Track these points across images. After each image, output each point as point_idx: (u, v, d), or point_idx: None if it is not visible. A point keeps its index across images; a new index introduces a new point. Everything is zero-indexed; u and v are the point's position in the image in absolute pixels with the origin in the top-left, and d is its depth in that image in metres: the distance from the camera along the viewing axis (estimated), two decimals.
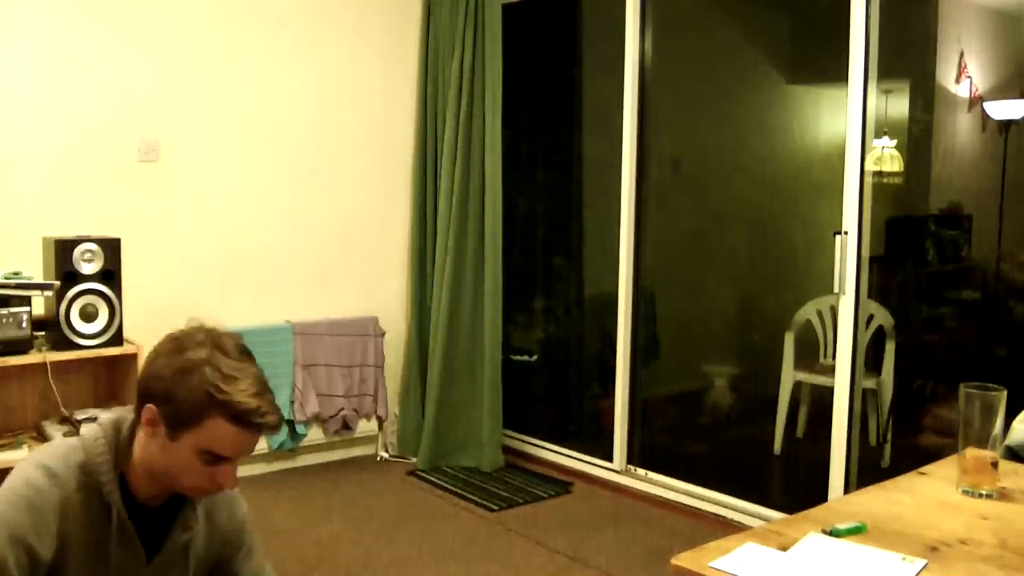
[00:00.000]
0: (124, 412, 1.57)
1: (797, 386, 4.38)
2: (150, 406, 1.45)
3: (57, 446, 1.52)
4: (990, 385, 1.65)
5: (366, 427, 4.54)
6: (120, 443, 1.51)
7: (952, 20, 4.63)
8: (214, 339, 1.47)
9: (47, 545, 1.41)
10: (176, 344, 1.47)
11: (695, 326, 5.31)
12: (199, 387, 1.41)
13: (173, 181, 4.04)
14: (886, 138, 4.51)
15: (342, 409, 4.40)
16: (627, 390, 4.27)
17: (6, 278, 2.69)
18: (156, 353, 1.48)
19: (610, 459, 4.30)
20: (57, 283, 2.72)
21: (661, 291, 4.76)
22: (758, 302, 5.23)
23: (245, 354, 1.49)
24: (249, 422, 1.42)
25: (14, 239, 3.56)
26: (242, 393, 1.42)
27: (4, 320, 2.63)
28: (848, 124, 3.31)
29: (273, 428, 1.46)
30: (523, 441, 4.70)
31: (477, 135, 4.47)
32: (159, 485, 1.51)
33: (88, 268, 2.78)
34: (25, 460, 1.49)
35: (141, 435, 1.49)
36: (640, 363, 4.35)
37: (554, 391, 5.14)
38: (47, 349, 2.76)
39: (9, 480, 1.44)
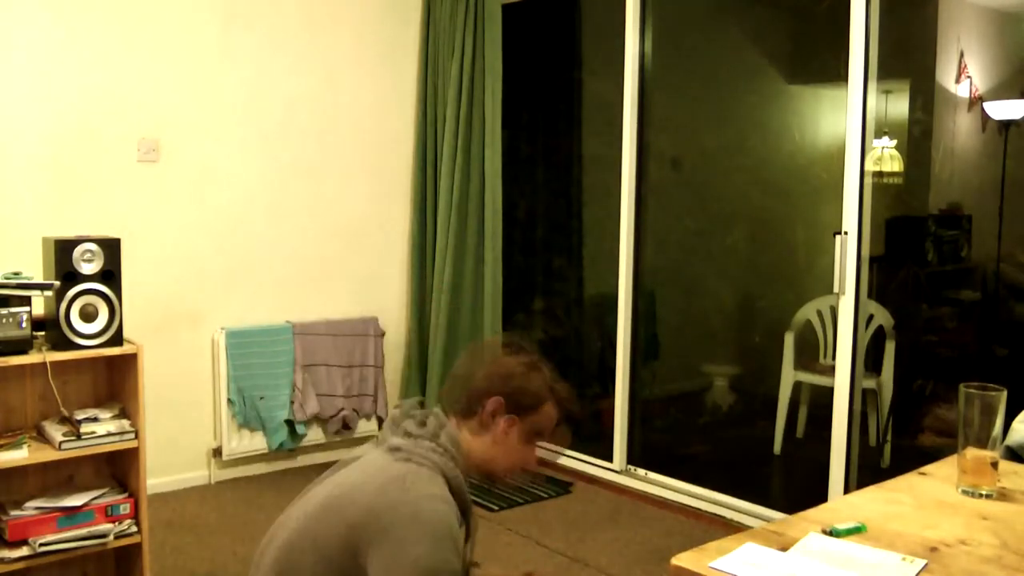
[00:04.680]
0: (436, 422, 1.76)
1: (797, 386, 4.38)
2: (497, 397, 1.76)
3: (420, 476, 1.65)
4: (990, 385, 1.65)
5: (366, 427, 4.54)
6: (459, 453, 1.75)
7: (952, 20, 4.63)
8: (529, 351, 1.85)
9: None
10: (509, 350, 1.84)
11: (695, 326, 5.31)
12: (543, 380, 1.80)
13: (173, 181, 4.04)
14: (886, 138, 4.51)
15: (342, 409, 4.40)
16: (627, 390, 4.27)
17: (6, 278, 2.68)
18: (495, 358, 1.83)
19: (610, 459, 4.30)
20: (57, 283, 2.71)
21: (661, 291, 4.76)
22: (758, 302, 5.23)
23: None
24: (570, 414, 1.84)
25: (14, 239, 3.56)
26: (566, 392, 1.83)
27: (4, 320, 2.63)
28: (848, 124, 3.31)
29: (573, 427, 1.87)
30: None
31: (477, 135, 4.47)
32: (475, 474, 1.81)
33: (88, 268, 2.77)
34: (415, 494, 1.61)
35: (469, 430, 1.78)
36: (640, 363, 4.35)
37: None
38: (47, 349, 2.76)
39: (423, 521, 1.58)
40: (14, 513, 2.72)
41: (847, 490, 3.33)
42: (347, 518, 1.62)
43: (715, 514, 3.81)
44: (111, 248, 2.81)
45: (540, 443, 1.85)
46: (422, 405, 1.85)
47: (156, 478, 3.80)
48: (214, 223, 4.17)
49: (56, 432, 2.78)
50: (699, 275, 5.26)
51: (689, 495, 3.94)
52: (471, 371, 1.82)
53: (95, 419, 2.84)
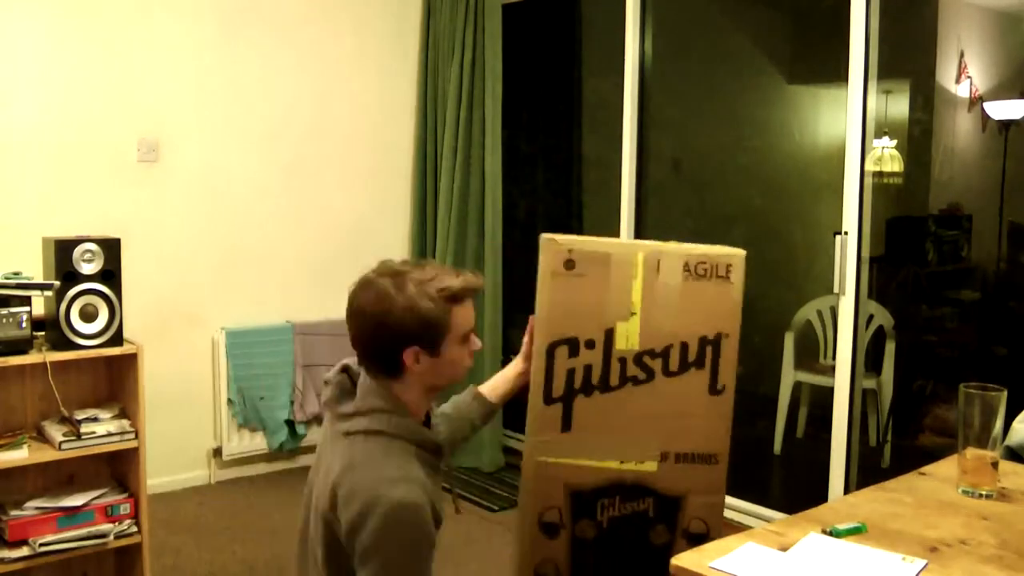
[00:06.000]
0: (367, 392, 1.68)
1: (797, 386, 4.38)
2: (411, 348, 1.63)
3: (373, 454, 1.61)
4: (990, 385, 1.65)
5: None
6: (398, 406, 1.67)
7: (952, 20, 4.63)
8: (393, 274, 1.65)
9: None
10: (382, 298, 1.62)
11: None
12: (434, 304, 1.63)
13: (173, 181, 4.04)
14: (886, 138, 4.51)
15: None
16: None
17: (6, 278, 2.68)
18: (380, 312, 1.62)
19: None
20: (57, 283, 2.71)
21: None
22: (758, 302, 5.23)
23: (417, 264, 1.70)
24: (472, 291, 1.70)
25: (14, 239, 3.56)
26: (453, 280, 1.67)
27: (4, 320, 2.63)
28: (848, 124, 3.31)
29: (482, 285, 1.78)
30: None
31: (477, 135, 4.46)
32: (428, 400, 1.75)
33: (88, 268, 2.77)
34: (370, 483, 1.56)
35: (403, 378, 1.66)
36: None
37: None
38: (47, 349, 2.76)
39: (386, 517, 1.52)
40: (14, 513, 2.72)
41: (847, 490, 3.33)
42: (321, 507, 1.63)
43: None
44: (111, 248, 2.81)
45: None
46: (345, 370, 1.77)
47: (156, 478, 3.80)
48: (214, 223, 4.17)
49: (56, 432, 2.78)
50: None
51: None
52: (363, 330, 1.67)
53: (95, 419, 2.84)
